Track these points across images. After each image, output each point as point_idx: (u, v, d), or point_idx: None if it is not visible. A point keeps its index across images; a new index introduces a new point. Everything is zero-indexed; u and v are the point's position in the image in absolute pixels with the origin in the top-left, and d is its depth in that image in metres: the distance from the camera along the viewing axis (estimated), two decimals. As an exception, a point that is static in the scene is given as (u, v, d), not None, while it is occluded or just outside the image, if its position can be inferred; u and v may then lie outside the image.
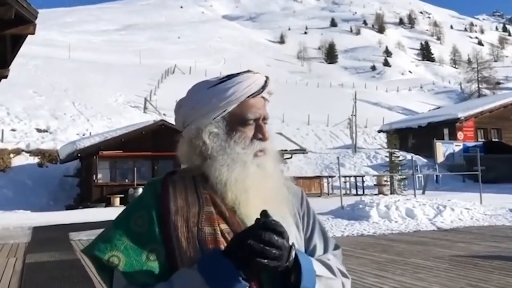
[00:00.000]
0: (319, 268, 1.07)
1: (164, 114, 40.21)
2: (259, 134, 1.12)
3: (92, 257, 1.06)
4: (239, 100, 1.11)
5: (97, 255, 1.04)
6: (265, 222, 0.95)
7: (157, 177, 1.19)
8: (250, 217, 1.05)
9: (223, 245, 1.02)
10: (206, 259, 0.97)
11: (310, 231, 1.20)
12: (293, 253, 0.98)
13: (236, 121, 1.12)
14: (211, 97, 1.12)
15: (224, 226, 1.06)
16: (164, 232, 1.05)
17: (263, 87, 1.14)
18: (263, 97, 1.16)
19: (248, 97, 1.12)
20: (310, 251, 1.18)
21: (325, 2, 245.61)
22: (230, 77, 1.15)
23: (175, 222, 1.06)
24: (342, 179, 22.33)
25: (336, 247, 1.23)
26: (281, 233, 0.95)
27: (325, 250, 1.20)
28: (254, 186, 1.08)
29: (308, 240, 1.19)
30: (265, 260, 0.92)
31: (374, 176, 26.85)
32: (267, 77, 1.17)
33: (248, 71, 1.17)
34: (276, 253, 0.93)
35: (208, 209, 1.07)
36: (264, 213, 0.98)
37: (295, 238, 1.13)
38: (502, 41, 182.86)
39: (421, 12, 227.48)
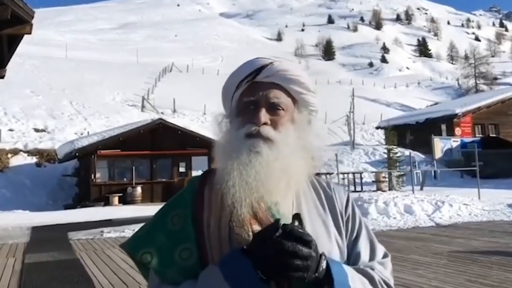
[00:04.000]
0: (355, 283, 1.00)
1: (162, 113, 40.17)
2: (251, 117, 1.06)
3: (128, 253, 1.08)
4: (235, 83, 1.11)
5: (131, 252, 1.06)
6: (291, 231, 0.91)
7: (198, 174, 1.19)
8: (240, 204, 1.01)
9: None
10: (227, 256, 0.97)
11: (355, 237, 1.14)
12: (323, 264, 0.94)
13: (240, 107, 1.11)
14: (225, 84, 1.17)
15: (256, 227, 1.03)
16: (197, 231, 1.05)
17: (257, 70, 1.10)
18: (278, 84, 1.11)
19: (244, 81, 1.10)
20: (353, 258, 1.12)
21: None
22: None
23: (208, 221, 1.05)
24: (341, 176, 22.31)
25: (385, 256, 1.15)
26: (308, 242, 0.92)
27: (371, 258, 1.13)
28: (240, 171, 1.02)
29: (352, 247, 1.13)
30: (290, 271, 0.89)
31: (372, 172, 26.87)
32: (269, 63, 1.11)
33: (258, 58, 1.16)
34: (300, 264, 0.90)
35: (242, 209, 1.03)
36: (296, 217, 0.94)
37: (336, 243, 1.10)
38: (499, 37, 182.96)
39: (418, 8, 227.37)
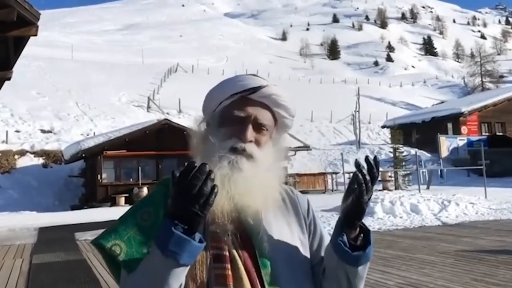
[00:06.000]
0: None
1: (167, 113, 40.28)
2: (239, 132, 1.13)
3: (98, 246, 1.09)
4: (227, 94, 1.16)
5: (101, 243, 1.07)
6: (184, 170, 0.92)
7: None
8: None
9: (226, 244, 1.07)
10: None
11: (320, 236, 1.24)
12: (372, 189, 1.04)
13: (226, 117, 1.16)
14: (214, 90, 1.21)
15: (230, 227, 1.09)
16: None
17: (254, 88, 1.15)
18: (267, 105, 1.18)
19: (238, 94, 1.15)
20: (320, 259, 1.19)
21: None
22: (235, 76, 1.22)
23: None
24: (346, 175, 22.27)
25: None
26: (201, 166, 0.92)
27: None
28: (223, 183, 1.06)
29: (322, 244, 1.22)
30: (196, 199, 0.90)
31: (378, 171, 26.78)
32: (266, 85, 1.17)
33: (253, 74, 1.22)
34: (199, 183, 0.90)
35: (222, 216, 1.08)
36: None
37: (299, 239, 1.18)
38: (505, 34, 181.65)
39: (423, 7, 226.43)
